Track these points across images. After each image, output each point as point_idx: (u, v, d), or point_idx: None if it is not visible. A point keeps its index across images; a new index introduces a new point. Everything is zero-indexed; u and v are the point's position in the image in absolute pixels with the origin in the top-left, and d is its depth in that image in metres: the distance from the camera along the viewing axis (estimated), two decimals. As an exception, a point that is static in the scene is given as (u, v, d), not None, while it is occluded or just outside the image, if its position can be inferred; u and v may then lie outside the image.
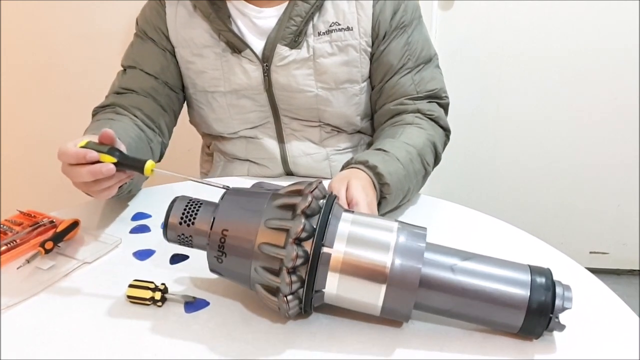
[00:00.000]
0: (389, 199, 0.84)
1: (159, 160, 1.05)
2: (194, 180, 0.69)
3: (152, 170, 0.70)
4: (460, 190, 1.95)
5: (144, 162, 0.70)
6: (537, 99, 1.82)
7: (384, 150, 0.89)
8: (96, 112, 1.01)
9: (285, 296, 0.60)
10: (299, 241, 0.59)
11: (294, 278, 0.59)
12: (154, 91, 1.03)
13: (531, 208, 1.94)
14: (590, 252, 2.00)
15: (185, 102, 1.13)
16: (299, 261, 0.59)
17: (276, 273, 0.60)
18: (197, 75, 1.04)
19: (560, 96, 1.81)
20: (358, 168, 0.84)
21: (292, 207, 0.60)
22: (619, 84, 1.76)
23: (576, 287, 0.69)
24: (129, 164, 0.72)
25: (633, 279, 1.98)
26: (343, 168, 0.87)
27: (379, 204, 0.84)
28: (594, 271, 0.73)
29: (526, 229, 0.84)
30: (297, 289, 0.60)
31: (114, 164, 0.71)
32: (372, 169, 0.83)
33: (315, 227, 0.59)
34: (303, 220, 0.58)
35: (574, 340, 0.62)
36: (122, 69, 1.07)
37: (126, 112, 0.98)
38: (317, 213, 0.60)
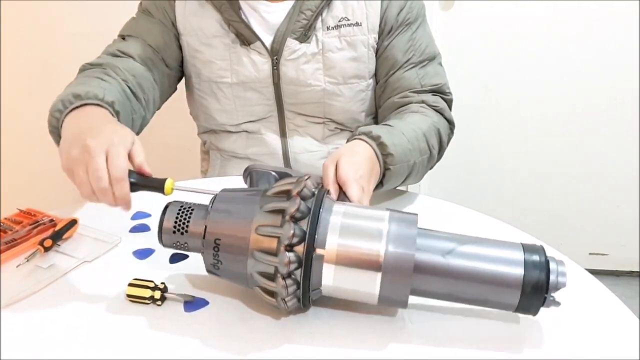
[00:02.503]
0: (393, 171, 0.83)
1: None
2: (213, 193, 0.67)
3: (172, 189, 0.68)
4: (459, 190, 1.95)
5: (163, 182, 0.67)
6: (537, 99, 1.82)
7: (389, 125, 0.89)
8: (85, 68, 0.97)
9: (283, 298, 0.61)
10: (290, 247, 0.59)
11: (289, 282, 0.59)
12: (151, 62, 1.01)
13: (530, 209, 1.95)
14: (590, 253, 2.00)
15: (187, 93, 1.13)
16: (293, 266, 0.59)
17: (272, 278, 0.60)
18: (203, 65, 1.04)
19: (560, 96, 1.81)
20: (361, 139, 0.83)
21: (281, 212, 0.60)
22: (619, 84, 1.76)
23: (575, 288, 0.69)
24: (148, 185, 0.68)
25: (632, 280, 1.98)
26: (348, 140, 0.86)
27: (383, 176, 0.83)
28: (593, 272, 0.73)
29: (525, 229, 0.84)
30: (294, 291, 0.60)
31: (131, 184, 0.66)
32: (375, 139, 0.82)
33: (305, 230, 0.59)
34: (292, 226, 0.59)
35: (573, 341, 0.62)
36: (118, 37, 1.05)
37: (116, 76, 0.93)
38: (306, 215, 0.60)
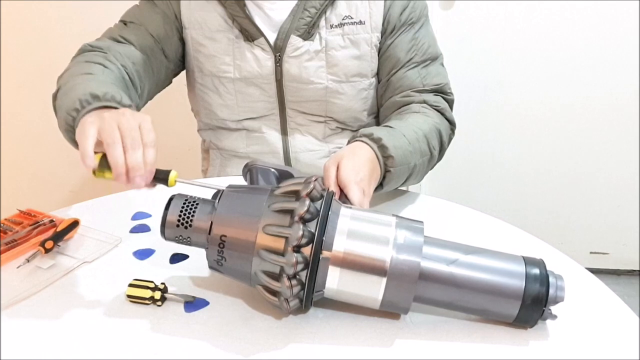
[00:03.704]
0: (393, 173, 0.83)
1: None
2: (215, 187, 0.68)
3: (175, 181, 0.68)
4: (460, 189, 1.95)
5: (168, 173, 0.68)
6: (537, 98, 1.82)
7: (391, 127, 0.89)
8: (86, 49, 0.97)
9: (286, 298, 0.60)
10: (298, 248, 0.59)
11: (294, 282, 0.59)
12: (151, 52, 1.02)
13: (531, 208, 1.94)
14: (591, 253, 2.00)
15: (188, 88, 1.13)
16: (299, 267, 0.59)
17: (276, 278, 0.60)
18: (206, 59, 1.04)
19: (560, 96, 1.81)
20: (362, 141, 0.83)
21: (290, 212, 0.60)
22: (619, 83, 1.76)
23: (576, 287, 0.69)
24: (153, 176, 0.68)
25: (633, 279, 1.98)
26: (349, 142, 0.86)
27: (383, 178, 0.83)
28: (594, 271, 0.73)
29: (526, 228, 0.84)
30: (298, 291, 0.60)
31: None
32: (377, 141, 0.82)
33: (314, 231, 0.59)
34: (301, 227, 0.58)
35: (574, 341, 0.62)
36: (120, 22, 1.05)
37: (116, 61, 0.94)
38: (315, 216, 0.60)
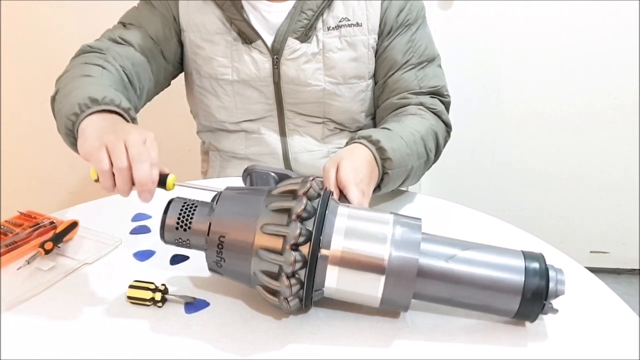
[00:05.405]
0: (391, 175, 0.84)
1: None
2: (213, 190, 0.68)
3: (174, 185, 0.68)
4: (459, 189, 1.95)
5: (166, 176, 0.68)
6: (536, 98, 1.82)
7: (388, 129, 0.89)
8: (85, 50, 0.97)
9: (286, 298, 0.61)
10: (296, 246, 0.59)
11: (293, 281, 0.60)
12: (151, 54, 1.02)
13: (531, 207, 1.94)
14: (591, 252, 2.00)
15: (187, 90, 1.13)
16: (298, 265, 0.59)
17: (275, 277, 0.60)
18: (204, 62, 1.04)
19: (559, 96, 1.81)
20: (360, 143, 0.83)
21: (287, 211, 0.60)
22: (618, 83, 1.76)
23: (576, 286, 0.69)
24: None
25: (633, 279, 1.98)
26: (347, 143, 0.86)
27: (381, 180, 0.83)
28: (594, 270, 0.73)
29: (526, 228, 0.84)
30: (297, 290, 0.60)
31: None
32: (375, 143, 0.83)
33: (311, 229, 0.59)
34: (299, 226, 0.59)
35: (574, 341, 0.62)
36: (119, 24, 1.05)
37: (115, 62, 0.94)
38: (312, 215, 0.60)
